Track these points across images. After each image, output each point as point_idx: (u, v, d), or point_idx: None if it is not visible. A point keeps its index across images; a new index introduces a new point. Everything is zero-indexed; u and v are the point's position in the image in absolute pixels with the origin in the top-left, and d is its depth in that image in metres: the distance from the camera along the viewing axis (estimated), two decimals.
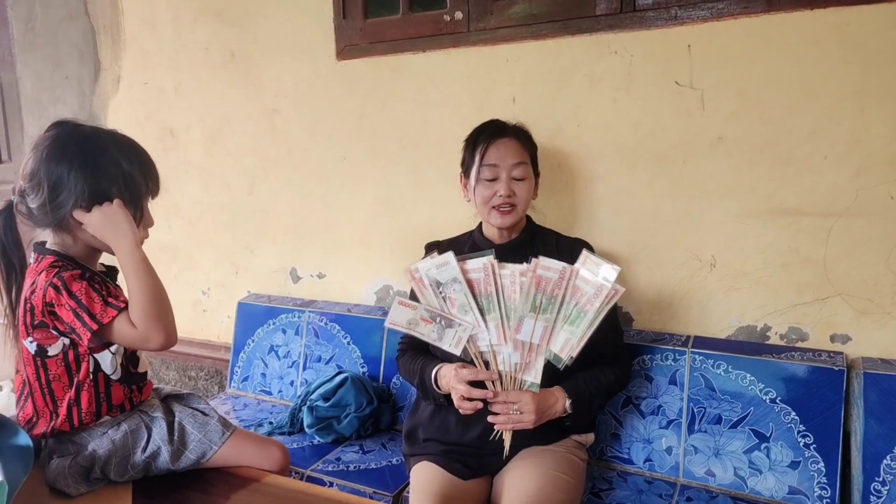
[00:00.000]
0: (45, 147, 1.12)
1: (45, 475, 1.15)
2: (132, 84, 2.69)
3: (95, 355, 1.17)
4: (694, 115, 1.70)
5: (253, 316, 2.38)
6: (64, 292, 1.09)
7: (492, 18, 1.89)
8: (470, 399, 1.39)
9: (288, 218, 2.41)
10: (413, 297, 1.46)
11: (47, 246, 1.19)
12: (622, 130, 1.79)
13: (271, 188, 2.43)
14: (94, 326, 1.08)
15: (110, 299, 1.11)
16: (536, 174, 1.62)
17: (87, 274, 1.15)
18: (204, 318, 2.71)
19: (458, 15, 1.94)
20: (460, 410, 1.42)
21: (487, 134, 1.57)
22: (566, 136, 1.86)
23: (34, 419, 1.19)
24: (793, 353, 1.63)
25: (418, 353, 1.62)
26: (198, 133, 2.55)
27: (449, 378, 1.45)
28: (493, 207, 1.54)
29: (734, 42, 1.63)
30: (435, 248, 1.63)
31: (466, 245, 1.65)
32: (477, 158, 1.55)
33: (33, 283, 1.13)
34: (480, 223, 1.68)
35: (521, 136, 1.60)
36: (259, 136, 2.41)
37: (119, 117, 2.76)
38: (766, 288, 1.70)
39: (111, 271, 1.30)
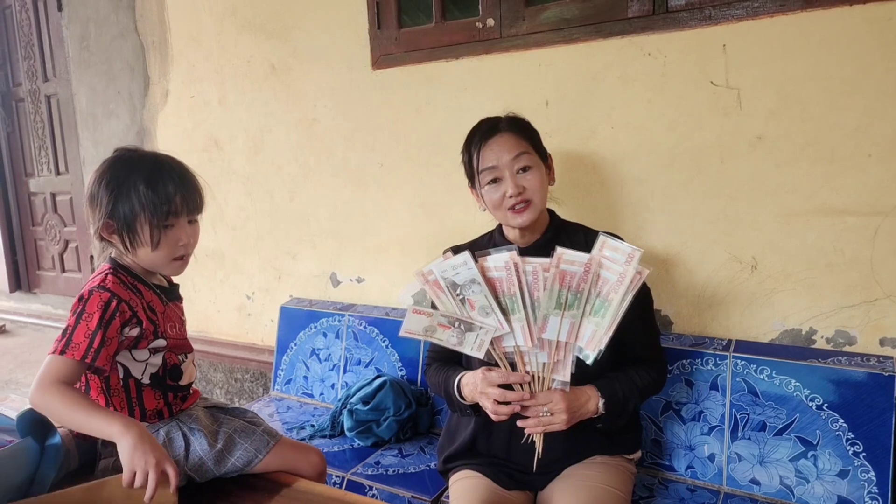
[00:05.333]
0: (95, 172, 1.23)
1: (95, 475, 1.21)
2: (180, 97, 2.80)
3: (124, 362, 1.22)
4: (731, 114, 1.67)
5: (295, 319, 2.44)
6: (82, 304, 1.16)
7: (524, 24, 1.90)
8: (505, 403, 1.30)
9: (327, 223, 2.47)
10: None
11: (111, 255, 1.27)
12: (657, 131, 1.77)
13: (311, 195, 2.49)
14: (51, 349, 1.14)
15: (96, 343, 1.13)
16: (545, 159, 1.50)
17: (115, 302, 1.17)
18: (249, 322, 2.80)
19: (491, 22, 1.95)
20: (494, 417, 1.32)
21: (479, 136, 1.46)
22: (600, 139, 1.85)
23: None
24: (840, 357, 1.58)
25: (444, 365, 1.53)
26: (241, 143, 2.63)
27: (475, 384, 1.35)
28: (508, 209, 1.43)
29: (771, 40, 1.59)
30: (456, 252, 1.51)
31: (488, 248, 1.54)
32: (475, 164, 1.45)
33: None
34: (500, 224, 1.58)
35: (514, 127, 1.46)
36: (299, 145, 2.47)
37: (167, 129, 2.87)
38: (810, 290, 1.66)
39: (173, 287, 1.36)
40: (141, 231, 1.19)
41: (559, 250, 1.26)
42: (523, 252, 1.38)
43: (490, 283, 1.29)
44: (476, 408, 1.42)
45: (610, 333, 1.23)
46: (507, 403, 1.31)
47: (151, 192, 1.17)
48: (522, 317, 1.27)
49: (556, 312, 1.25)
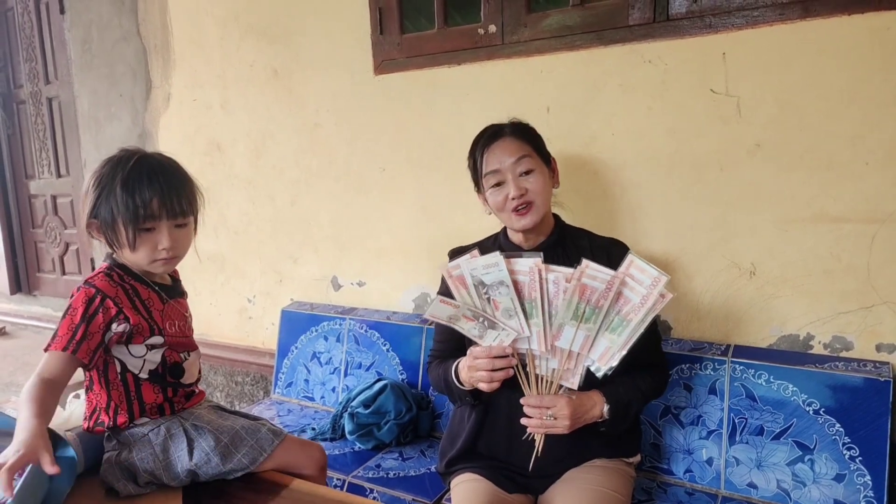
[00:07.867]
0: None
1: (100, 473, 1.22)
2: (182, 101, 2.81)
3: (120, 357, 1.23)
4: (730, 122, 1.69)
5: (296, 323, 2.45)
6: (69, 301, 1.18)
7: (525, 31, 1.92)
8: (494, 370, 1.31)
9: (329, 228, 2.48)
10: (447, 293, 1.38)
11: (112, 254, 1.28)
12: (657, 138, 1.79)
13: (313, 199, 2.50)
14: (45, 346, 1.16)
15: (78, 336, 1.15)
16: (549, 162, 1.53)
17: (99, 298, 1.19)
18: (250, 325, 2.80)
19: (493, 28, 1.96)
20: (489, 387, 1.33)
21: (483, 142, 1.51)
22: (601, 145, 1.87)
23: (87, 412, 1.26)
24: (837, 362, 1.60)
25: (444, 362, 1.55)
26: (243, 147, 2.64)
27: (466, 365, 1.38)
28: (511, 211, 1.46)
29: (770, 49, 1.61)
30: (459, 254, 1.53)
31: (492, 250, 1.55)
32: (479, 168, 1.50)
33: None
34: (505, 227, 1.61)
35: (517, 132, 1.50)
36: (301, 150, 2.48)
37: (169, 133, 2.88)
38: (807, 296, 1.67)
39: (175, 284, 1.37)
40: (119, 232, 1.20)
41: (584, 262, 1.27)
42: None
43: (517, 287, 1.31)
44: (475, 394, 1.43)
45: (624, 352, 1.25)
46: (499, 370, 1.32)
47: (127, 195, 1.18)
48: (540, 322, 1.29)
49: (573, 323, 1.27)
